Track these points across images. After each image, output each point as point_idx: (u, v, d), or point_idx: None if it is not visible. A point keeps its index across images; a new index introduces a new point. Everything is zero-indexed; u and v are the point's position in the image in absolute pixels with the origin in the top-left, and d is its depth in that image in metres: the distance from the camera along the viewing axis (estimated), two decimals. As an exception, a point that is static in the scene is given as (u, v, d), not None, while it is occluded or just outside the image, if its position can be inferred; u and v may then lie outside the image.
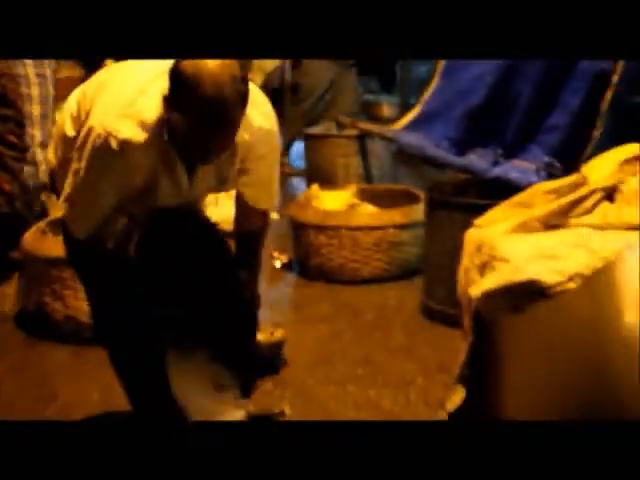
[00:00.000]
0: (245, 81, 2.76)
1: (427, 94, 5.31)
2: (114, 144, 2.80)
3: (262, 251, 3.45)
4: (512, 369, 3.39)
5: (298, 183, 7.22)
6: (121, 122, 2.82)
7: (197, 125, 2.71)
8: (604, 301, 3.24)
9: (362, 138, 6.91)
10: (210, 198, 3.33)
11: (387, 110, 8.35)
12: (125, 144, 2.80)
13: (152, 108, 2.82)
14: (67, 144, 3.02)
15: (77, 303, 4.55)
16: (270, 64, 11.12)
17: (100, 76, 3.12)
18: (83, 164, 2.88)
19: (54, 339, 4.65)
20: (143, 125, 2.81)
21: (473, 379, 3.47)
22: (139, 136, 2.81)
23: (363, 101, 10.41)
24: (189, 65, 2.67)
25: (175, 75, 2.70)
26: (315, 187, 5.95)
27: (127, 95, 2.88)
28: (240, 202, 3.23)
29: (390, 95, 10.47)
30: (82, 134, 2.89)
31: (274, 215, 3.36)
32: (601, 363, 3.28)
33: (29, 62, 5.57)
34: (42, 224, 5.10)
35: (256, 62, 11.17)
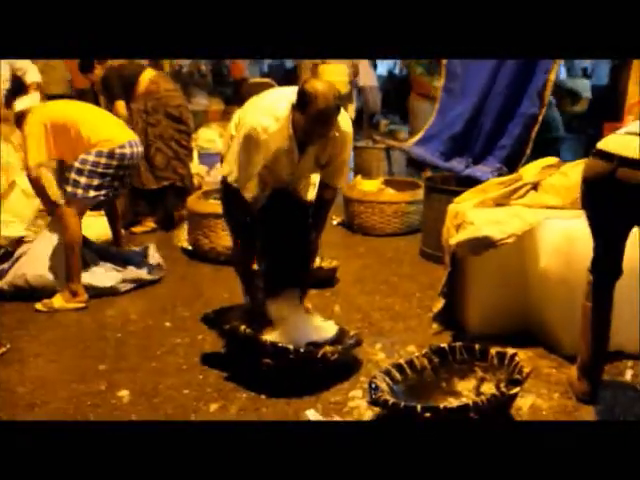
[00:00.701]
0: (339, 98, 2.85)
1: (427, 124, 5.25)
2: (259, 129, 2.85)
3: (327, 216, 3.38)
4: (473, 289, 3.42)
5: (349, 175, 7.16)
6: (263, 117, 2.88)
7: (311, 122, 2.80)
8: (529, 251, 3.25)
9: (388, 150, 6.86)
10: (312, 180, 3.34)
11: (403, 134, 8.17)
12: (264, 129, 2.85)
13: (283, 111, 2.87)
14: (230, 140, 3.05)
15: (217, 240, 4.58)
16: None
17: (249, 102, 3.11)
18: (237, 148, 2.93)
19: (203, 260, 4.70)
20: (277, 119, 2.87)
21: (449, 294, 3.49)
22: (273, 125, 2.86)
23: (390, 129, 10.33)
24: (309, 86, 2.79)
25: (300, 91, 2.80)
26: (359, 177, 5.95)
27: (266, 105, 2.95)
28: (322, 181, 3.20)
29: (405, 125, 10.37)
30: (239, 131, 2.94)
31: (343, 187, 3.28)
32: (524, 289, 3.30)
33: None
34: (198, 193, 5.17)
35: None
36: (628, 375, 3.04)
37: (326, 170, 3.14)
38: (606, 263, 2.65)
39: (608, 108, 5.22)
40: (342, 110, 2.95)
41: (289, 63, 16.12)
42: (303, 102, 2.78)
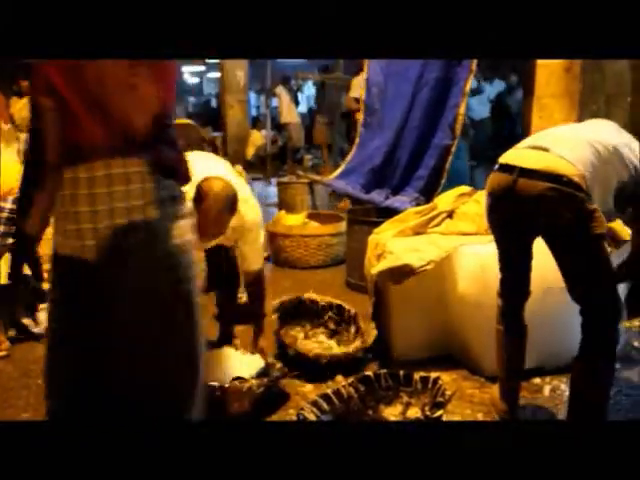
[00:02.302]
0: (234, 198, 2.77)
1: (348, 158, 5.36)
2: None
3: (260, 293, 3.31)
4: (396, 316, 3.46)
5: (273, 210, 7.18)
6: None
7: (201, 219, 2.61)
8: (447, 277, 3.31)
9: (311, 184, 6.93)
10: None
11: (327, 168, 8.28)
12: None
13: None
14: None
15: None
16: (260, 140, 11.13)
17: None
18: None
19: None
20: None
21: (377, 323, 3.52)
22: None
23: (313, 164, 10.48)
24: (205, 184, 2.72)
25: (197, 186, 2.72)
26: (282, 212, 5.99)
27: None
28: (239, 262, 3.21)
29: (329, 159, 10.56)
30: None
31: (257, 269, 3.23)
32: (445, 314, 3.36)
33: None
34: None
35: (250, 139, 11.19)
36: (546, 391, 3.14)
37: (239, 254, 3.14)
38: (513, 284, 2.70)
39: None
40: (249, 200, 2.96)
41: (214, 102, 16.19)
42: (197, 198, 2.72)
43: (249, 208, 2.98)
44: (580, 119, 3.75)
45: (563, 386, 3.18)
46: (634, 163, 2.51)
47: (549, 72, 3.87)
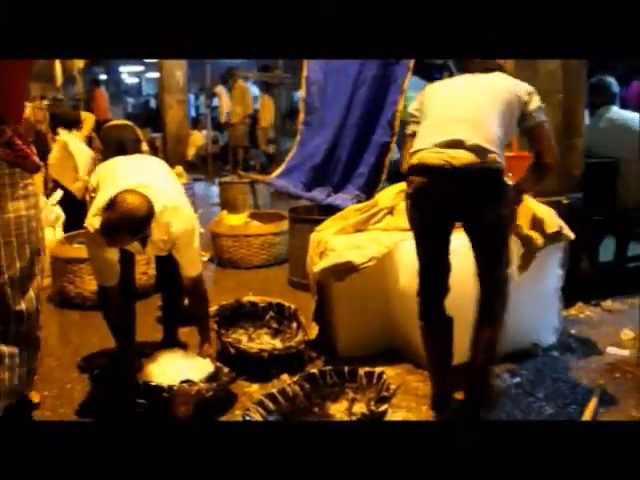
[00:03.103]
0: (142, 219, 2.73)
1: (288, 157, 5.35)
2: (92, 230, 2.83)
3: (200, 303, 3.30)
4: (340, 313, 3.46)
5: (215, 210, 7.11)
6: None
7: (104, 226, 2.70)
8: (389, 273, 3.34)
9: (252, 183, 6.91)
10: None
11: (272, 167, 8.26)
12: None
13: None
14: (93, 192, 3.10)
15: (83, 285, 4.48)
16: (200, 141, 11.04)
17: (113, 169, 3.12)
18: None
19: (69, 307, 4.53)
20: None
21: (320, 320, 3.53)
22: None
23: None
24: (121, 195, 2.70)
25: (112, 198, 2.71)
26: (225, 212, 5.95)
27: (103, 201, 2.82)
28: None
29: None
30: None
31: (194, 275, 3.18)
32: (388, 309, 3.38)
33: None
34: (61, 238, 4.95)
35: (190, 139, 11.07)
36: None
37: (177, 258, 3.09)
38: (433, 282, 2.80)
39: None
40: (178, 207, 2.94)
41: (153, 103, 15.95)
42: (108, 206, 2.72)
43: (177, 217, 2.93)
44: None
45: (505, 375, 3.25)
46: (516, 93, 2.70)
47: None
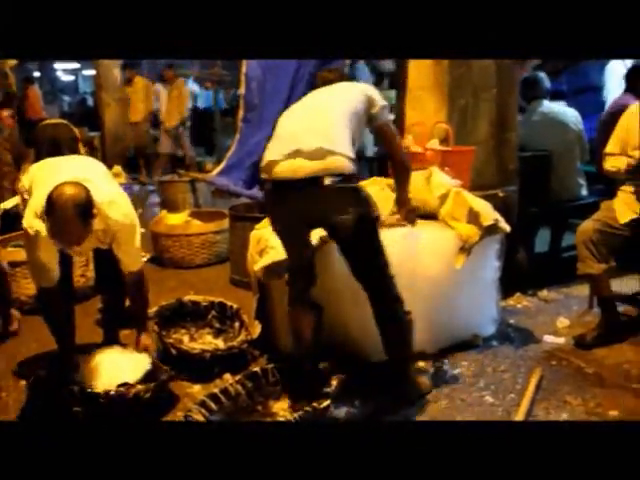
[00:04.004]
0: (86, 204, 2.69)
1: (228, 154, 5.29)
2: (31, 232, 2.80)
3: (139, 295, 3.24)
4: (281, 311, 3.41)
5: (156, 210, 7.00)
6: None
7: (52, 227, 2.69)
8: (326, 268, 3.30)
9: (192, 182, 6.84)
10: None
11: (209, 165, 8.18)
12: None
13: None
14: (25, 194, 3.08)
15: (19, 289, 4.31)
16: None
17: (45, 169, 3.08)
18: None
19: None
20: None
21: (262, 318, 3.51)
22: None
23: (197, 160, 10.35)
24: (56, 192, 2.65)
25: (48, 198, 2.67)
26: (164, 212, 5.86)
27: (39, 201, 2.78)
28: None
29: (211, 157, 10.42)
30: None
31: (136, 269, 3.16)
32: (328, 304, 3.33)
33: None
34: None
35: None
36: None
37: (117, 253, 3.05)
38: (299, 272, 2.89)
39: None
40: (114, 201, 2.91)
41: (90, 101, 15.62)
42: (48, 207, 2.67)
43: (114, 209, 2.90)
44: (449, 110, 3.88)
45: (446, 367, 3.29)
46: (360, 96, 2.80)
47: (420, 65, 3.97)
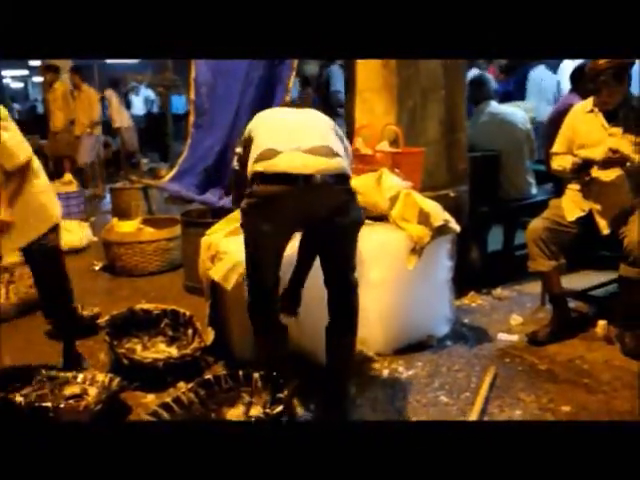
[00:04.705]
0: None
1: (180, 160, 5.22)
2: None
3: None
4: (234, 316, 3.39)
5: (108, 218, 6.88)
6: None
7: None
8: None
9: (145, 188, 6.74)
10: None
11: (164, 171, 8.08)
12: None
13: None
14: None
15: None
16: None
17: None
18: None
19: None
20: None
21: (215, 324, 3.47)
22: None
23: (150, 167, 10.22)
24: None
25: None
26: (115, 219, 5.75)
27: None
28: None
29: (165, 162, 10.30)
30: None
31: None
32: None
33: None
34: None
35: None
36: (385, 374, 3.24)
37: None
38: (270, 274, 2.68)
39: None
40: None
41: (40, 108, 15.33)
42: None
43: None
44: (399, 112, 3.89)
45: (400, 368, 3.29)
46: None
47: (368, 67, 3.97)
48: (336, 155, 2.51)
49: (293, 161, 2.42)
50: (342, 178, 2.50)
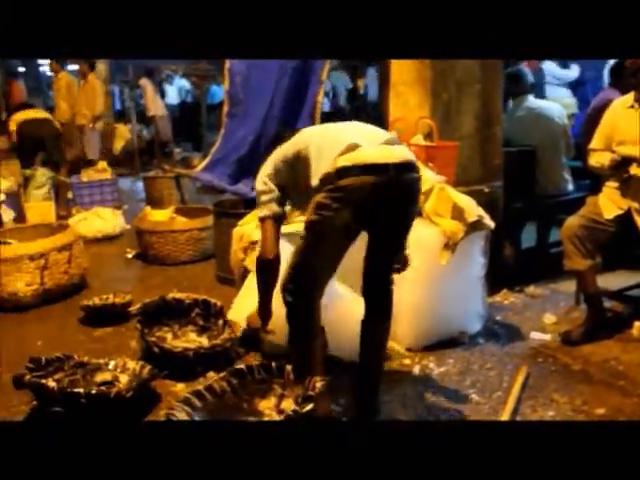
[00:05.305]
0: None
1: (213, 149, 5.23)
2: None
3: None
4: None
5: (142, 206, 6.92)
6: None
7: None
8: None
9: (177, 178, 6.77)
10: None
11: (196, 161, 8.13)
12: None
13: None
14: None
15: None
16: (126, 134, 10.79)
17: None
18: None
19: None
20: None
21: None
22: None
23: (182, 157, 10.28)
24: None
25: None
26: (148, 208, 5.81)
27: None
28: None
29: (199, 152, 10.34)
30: None
31: None
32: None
33: None
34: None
35: (116, 133, 10.79)
36: (416, 370, 3.20)
37: None
38: (329, 274, 2.62)
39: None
40: None
41: None
42: None
43: None
44: (433, 106, 3.84)
45: (431, 365, 3.25)
46: None
47: (402, 60, 3.92)
48: (402, 146, 2.56)
49: (381, 152, 2.42)
50: (415, 166, 2.51)
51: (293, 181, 2.61)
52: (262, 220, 2.65)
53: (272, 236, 2.64)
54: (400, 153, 2.46)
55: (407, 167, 2.44)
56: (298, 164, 2.56)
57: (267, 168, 2.69)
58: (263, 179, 2.66)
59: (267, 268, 2.66)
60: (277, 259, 2.64)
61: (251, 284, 3.17)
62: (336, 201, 2.37)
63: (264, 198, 2.63)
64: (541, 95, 5.42)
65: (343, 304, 3.02)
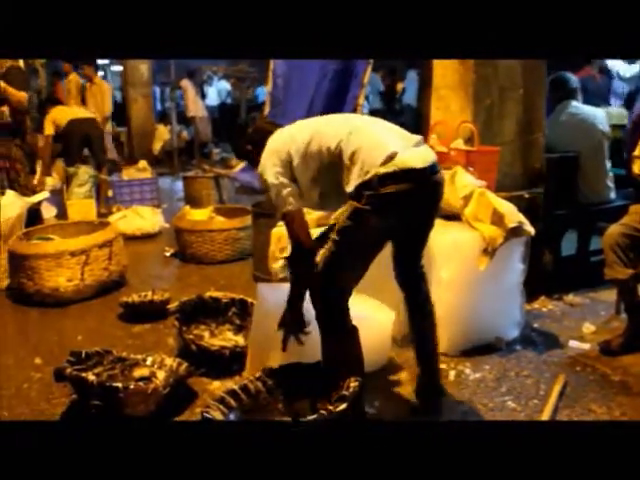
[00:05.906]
0: None
1: (253, 150, 5.27)
2: None
3: None
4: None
5: (180, 205, 6.99)
6: None
7: None
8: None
9: (217, 178, 6.83)
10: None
11: (234, 161, 8.17)
12: None
13: None
14: None
15: (42, 282, 4.34)
16: (166, 135, 10.92)
17: None
18: None
19: (27, 304, 4.39)
20: None
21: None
22: None
23: (221, 157, 10.39)
24: None
25: None
26: (187, 207, 5.87)
27: None
28: None
29: (237, 152, 10.43)
30: None
31: None
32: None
33: None
34: (19, 234, 4.82)
35: (156, 134, 10.93)
36: (452, 376, 3.18)
37: None
38: (361, 276, 2.61)
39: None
40: None
41: (118, 96, 15.71)
42: None
43: None
44: (475, 110, 3.82)
45: (467, 370, 3.23)
46: None
47: (445, 64, 3.91)
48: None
49: (418, 155, 2.47)
50: (439, 166, 2.59)
51: (304, 176, 2.61)
52: (290, 213, 2.58)
53: (307, 225, 2.65)
54: (431, 155, 2.55)
55: (437, 168, 2.53)
56: (306, 160, 2.57)
57: (272, 164, 2.61)
58: (274, 174, 2.58)
59: (306, 260, 2.59)
60: (315, 249, 2.60)
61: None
62: (378, 207, 2.39)
63: (285, 192, 2.56)
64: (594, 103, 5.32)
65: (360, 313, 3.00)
